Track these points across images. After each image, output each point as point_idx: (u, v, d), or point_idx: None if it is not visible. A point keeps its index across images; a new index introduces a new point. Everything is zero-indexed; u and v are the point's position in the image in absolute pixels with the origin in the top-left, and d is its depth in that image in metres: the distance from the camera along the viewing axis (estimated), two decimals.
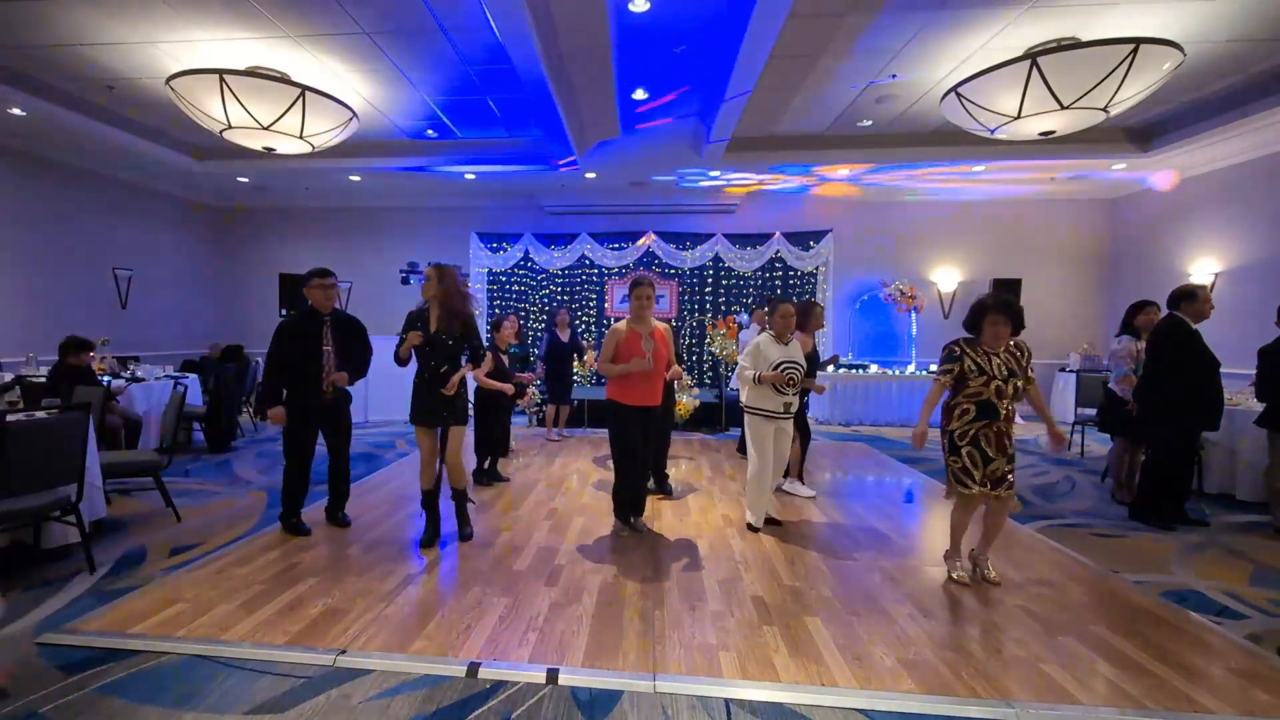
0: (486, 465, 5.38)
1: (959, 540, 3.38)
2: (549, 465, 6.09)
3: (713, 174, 8.36)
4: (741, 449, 6.42)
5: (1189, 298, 4.22)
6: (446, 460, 3.82)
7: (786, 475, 4.95)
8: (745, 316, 6.25)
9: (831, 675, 2.40)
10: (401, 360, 3.72)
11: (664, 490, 5.03)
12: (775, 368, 3.85)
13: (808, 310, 4.79)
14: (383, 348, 4.23)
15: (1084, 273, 9.59)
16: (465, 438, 3.92)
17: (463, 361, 3.79)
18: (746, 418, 4.07)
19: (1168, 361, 4.20)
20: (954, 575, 3.33)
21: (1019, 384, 3.08)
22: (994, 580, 3.29)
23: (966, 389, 3.11)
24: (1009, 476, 3.13)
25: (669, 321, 9.98)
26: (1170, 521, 4.27)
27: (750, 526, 4.13)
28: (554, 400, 7.28)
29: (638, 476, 3.99)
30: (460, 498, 3.92)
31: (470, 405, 4.27)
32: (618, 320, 4.21)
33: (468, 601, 3.01)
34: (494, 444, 5.35)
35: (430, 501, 3.84)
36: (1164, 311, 4.43)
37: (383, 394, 8.15)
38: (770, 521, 4.21)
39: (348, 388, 4.02)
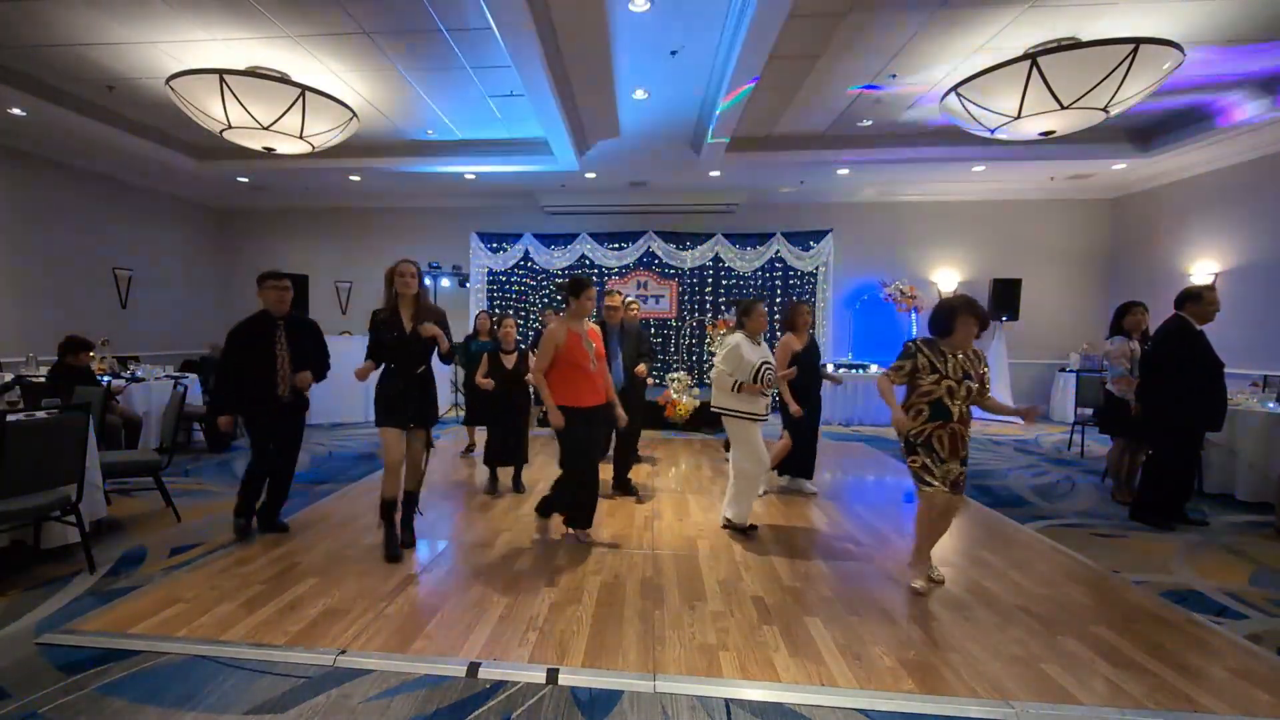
0: (513, 476, 5.14)
1: (928, 546, 3.27)
2: (549, 464, 6.08)
3: (712, 174, 8.36)
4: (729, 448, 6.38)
5: (1194, 299, 4.21)
6: (414, 461, 3.69)
7: (783, 474, 5.02)
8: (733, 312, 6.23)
9: (831, 675, 2.39)
10: (363, 377, 3.56)
11: (629, 491, 4.92)
12: (755, 371, 3.82)
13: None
14: None
15: (1084, 273, 9.60)
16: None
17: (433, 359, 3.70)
18: (733, 422, 3.97)
19: (1172, 362, 4.19)
20: (915, 585, 3.19)
21: (972, 386, 3.04)
22: (940, 578, 3.30)
23: (919, 388, 3.08)
24: (962, 480, 3.12)
25: (668, 322, 10.02)
26: (1170, 521, 4.27)
27: (749, 528, 4.04)
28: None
29: (593, 484, 3.80)
30: (413, 501, 3.77)
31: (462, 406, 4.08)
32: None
33: (468, 601, 3.01)
34: (507, 452, 5.01)
35: (392, 511, 3.65)
36: (1151, 312, 4.44)
37: None
38: (747, 528, 4.09)
39: (306, 392, 3.92)
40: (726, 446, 6.40)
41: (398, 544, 3.61)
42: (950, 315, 3.06)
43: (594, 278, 10.12)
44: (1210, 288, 4.34)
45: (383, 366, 3.60)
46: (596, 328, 3.81)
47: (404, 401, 3.55)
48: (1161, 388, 4.23)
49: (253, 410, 3.78)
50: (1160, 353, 4.28)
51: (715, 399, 4.03)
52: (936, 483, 3.06)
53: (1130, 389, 4.66)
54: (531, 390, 5.16)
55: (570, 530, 3.91)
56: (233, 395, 3.76)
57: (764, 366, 3.84)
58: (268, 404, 3.74)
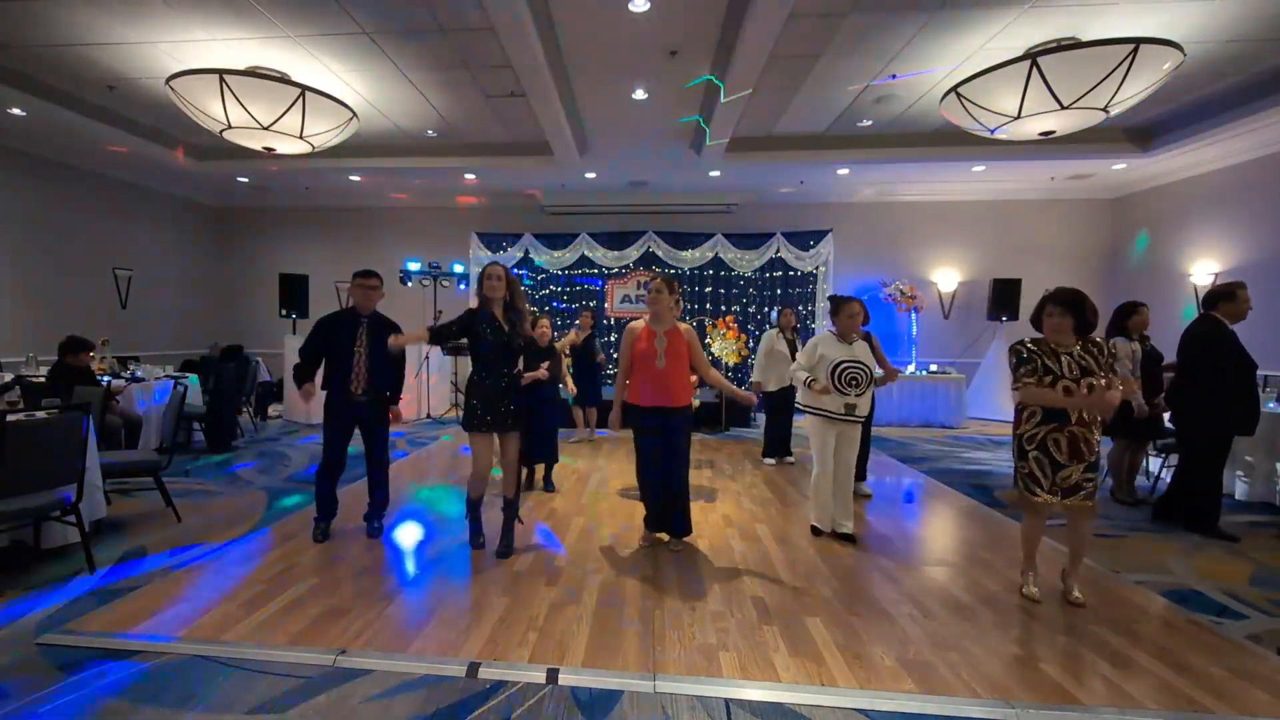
0: (543, 475, 5.15)
1: (1031, 552, 3.14)
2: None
3: (713, 174, 8.36)
4: (766, 453, 6.31)
5: (1228, 298, 4.04)
6: (510, 466, 3.65)
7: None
8: (775, 314, 6.55)
9: (831, 675, 2.39)
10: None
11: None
12: (835, 367, 3.72)
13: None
14: None
15: (1084, 273, 9.57)
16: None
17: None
18: (806, 419, 3.93)
19: (1205, 363, 4.02)
20: (1024, 591, 3.10)
21: (1095, 384, 2.79)
22: (1077, 601, 3.02)
23: None
24: (1086, 485, 2.89)
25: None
26: (1205, 533, 4.08)
27: (815, 529, 4.00)
28: (577, 402, 7.03)
29: (654, 486, 3.70)
30: (513, 509, 3.73)
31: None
32: (620, 320, 4.10)
33: (468, 601, 3.01)
34: (531, 451, 4.91)
35: (478, 508, 3.69)
36: (1151, 312, 4.36)
37: None
38: (843, 536, 3.92)
39: (386, 391, 3.95)
40: (765, 452, 6.32)
41: (481, 535, 3.72)
42: (1039, 308, 2.98)
43: (594, 278, 10.13)
44: (1242, 285, 4.09)
45: (472, 369, 3.59)
46: (690, 329, 3.68)
47: (495, 405, 3.49)
48: (1197, 391, 4.04)
49: (328, 401, 3.79)
50: (1194, 355, 4.08)
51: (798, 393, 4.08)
52: (1043, 493, 2.90)
53: (1134, 390, 4.64)
54: (561, 389, 5.15)
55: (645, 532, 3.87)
56: (309, 370, 3.77)
57: (842, 365, 3.74)
58: (340, 398, 3.75)
